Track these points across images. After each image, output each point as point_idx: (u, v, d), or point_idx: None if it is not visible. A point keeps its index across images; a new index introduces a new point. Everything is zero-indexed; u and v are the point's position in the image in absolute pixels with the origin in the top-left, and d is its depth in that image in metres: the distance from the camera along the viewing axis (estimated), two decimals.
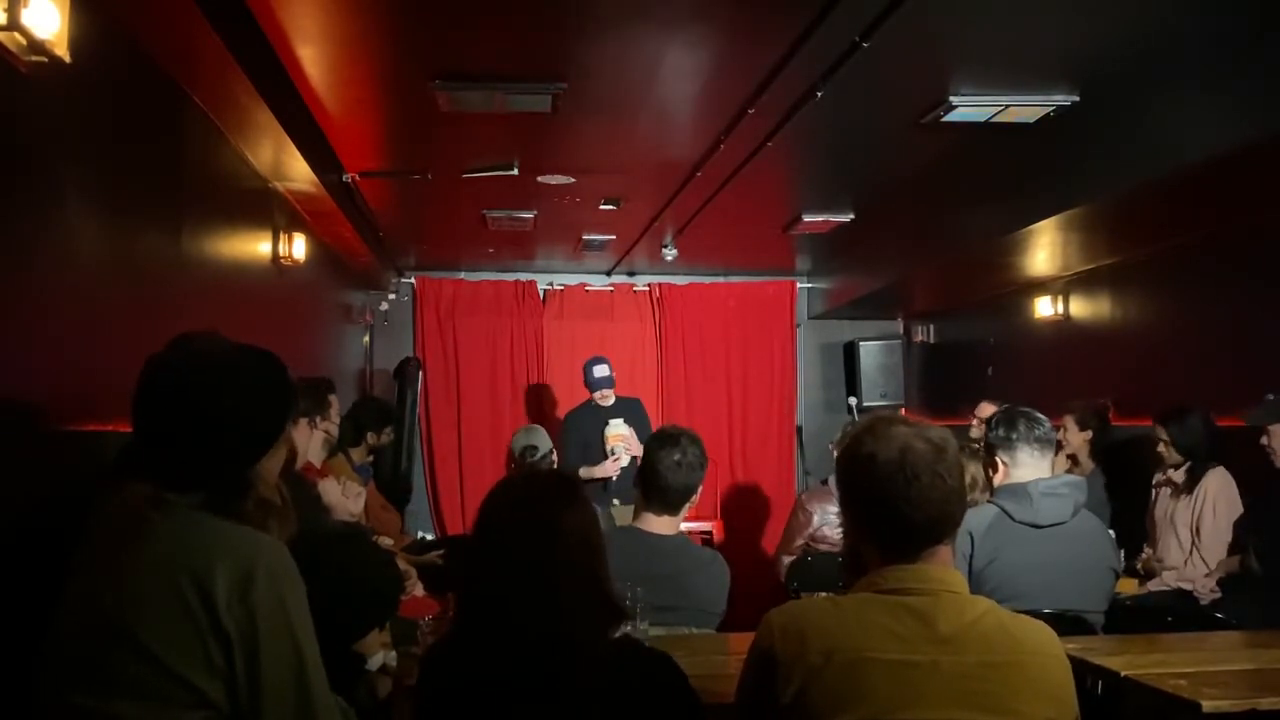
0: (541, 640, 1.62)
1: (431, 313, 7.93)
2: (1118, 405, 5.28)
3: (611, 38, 3.53)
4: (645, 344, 8.04)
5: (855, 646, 1.60)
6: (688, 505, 2.95)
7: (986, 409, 5.27)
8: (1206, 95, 3.51)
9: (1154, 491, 4.67)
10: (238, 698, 1.57)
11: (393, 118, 4.53)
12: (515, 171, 5.03)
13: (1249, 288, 4.63)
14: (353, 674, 2.22)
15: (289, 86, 3.87)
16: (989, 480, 3.22)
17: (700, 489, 2.96)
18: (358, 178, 5.16)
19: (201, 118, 3.63)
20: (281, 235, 4.78)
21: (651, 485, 2.90)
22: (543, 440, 4.88)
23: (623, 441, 5.81)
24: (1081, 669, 2.31)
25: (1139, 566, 4.57)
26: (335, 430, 4.35)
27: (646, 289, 8.21)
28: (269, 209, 4.68)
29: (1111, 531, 3.72)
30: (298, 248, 4.85)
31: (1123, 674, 2.39)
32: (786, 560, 4.91)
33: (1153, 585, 4.42)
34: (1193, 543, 4.38)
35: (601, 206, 5.83)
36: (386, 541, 4.47)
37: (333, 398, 4.27)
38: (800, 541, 4.90)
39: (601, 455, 5.88)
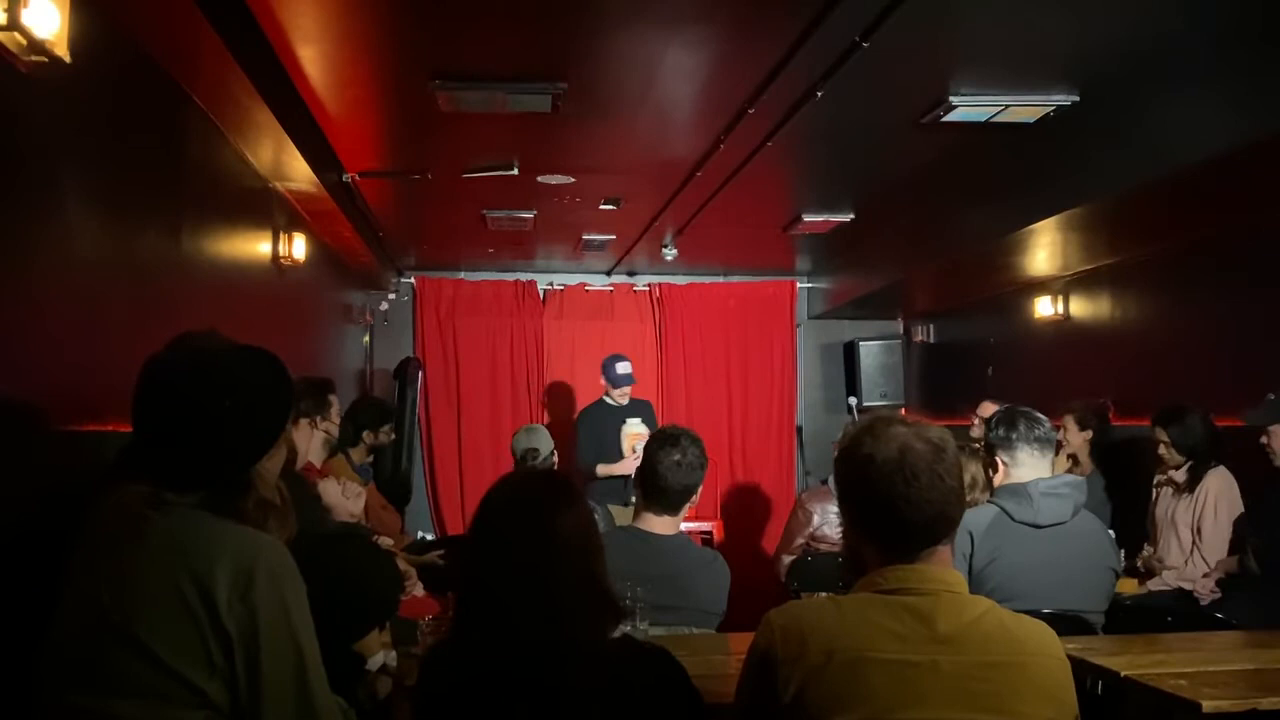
0: (541, 640, 1.62)
1: (431, 313, 7.93)
2: (1118, 405, 5.28)
3: (611, 38, 3.53)
4: (645, 344, 8.04)
5: (855, 646, 1.60)
6: (688, 505, 2.95)
7: (987, 408, 5.27)
8: (1206, 95, 3.51)
9: (1155, 491, 4.67)
10: (238, 697, 1.57)
11: (393, 118, 4.53)
12: (515, 171, 5.03)
13: (1249, 288, 4.63)
14: (353, 674, 2.22)
15: (289, 86, 3.87)
16: (989, 480, 3.22)
17: (700, 489, 2.96)
18: (358, 178, 5.16)
19: (201, 118, 3.63)
20: (281, 235, 4.78)
21: (651, 485, 2.90)
22: (544, 442, 4.88)
23: (641, 440, 5.87)
24: (1081, 669, 2.31)
25: (1139, 565, 4.58)
26: (335, 430, 4.35)
27: (646, 289, 8.21)
28: (269, 209, 4.68)
29: (1111, 531, 3.71)
30: (298, 248, 4.86)
31: (1123, 674, 2.39)
32: (786, 560, 4.91)
33: (1153, 584, 4.42)
34: (1193, 542, 4.38)
35: (601, 206, 5.83)
36: (386, 541, 4.47)
37: (333, 398, 4.27)
38: (800, 541, 4.90)
39: (616, 452, 5.95)
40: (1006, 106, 4.00)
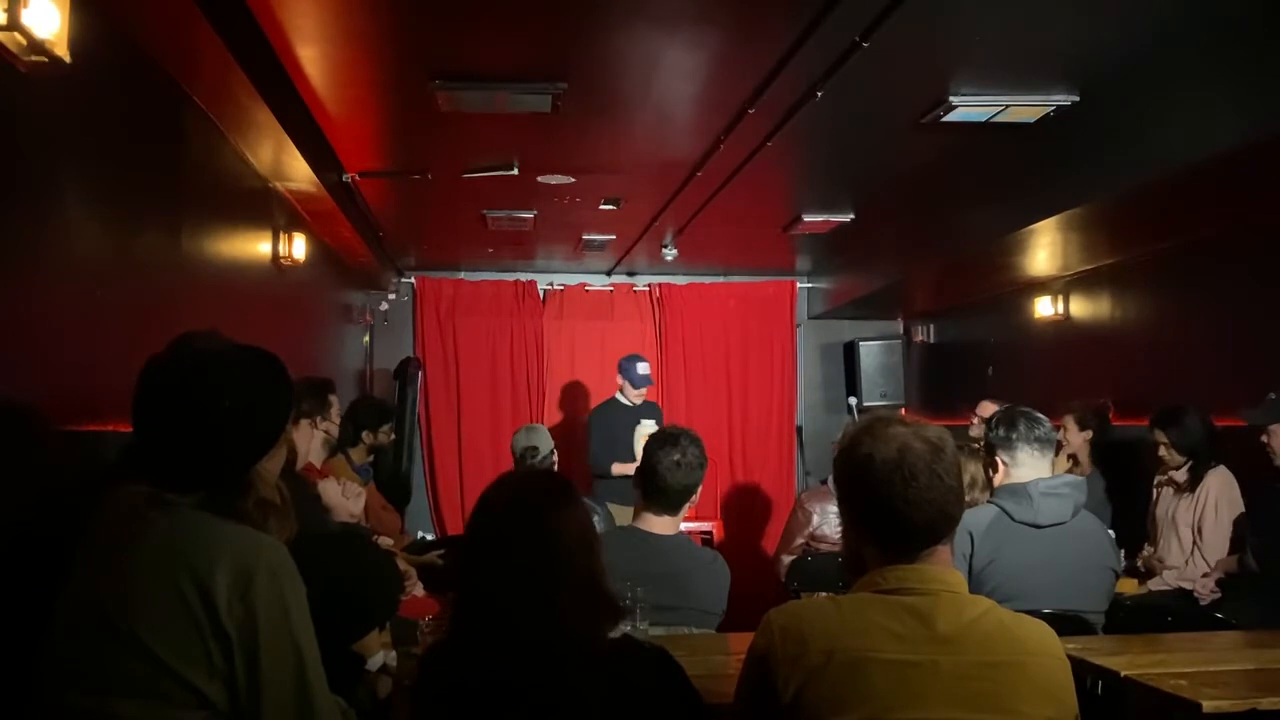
0: (539, 640, 1.62)
1: (431, 313, 7.93)
2: (1118, 405, 5.28)
3: (611, 38, 3.53)
4: (645, 344, 8.03)
5: (855, 646, 1.60)
6: (688, 505, 2.96)
7: (987, 408, 5.27)
8: (1206, 95, 3.51)
9: (1155, 491, 4.67)
10: (237, 697, 1.57)
11: (393, 118, 4.53)
12: (515, 171, 5.03)
13: (1249, 288, 4.63)
14: (353, 674, 2.22)
15: (289, 86, 3.87)
16: (989, 480, 3.22)
17: (700, 489, 2.96)
18: (358, 178, 5.16)
19: (201, 118, 3.63)
20: (281, 235, 4.78)
21: (651, 485, 2.90)
22: (544, 441, 4.88)
23: None
24: (1081, 669, 2.31)
25: (1139, 564, 4.58)
26: (335, 431, 4.35)
27: (646, 289, 8.21)
28: (269, 209, 4.68)
29: (1111, 531, 3.72)
30: (298, 248, 4.86)
31: (1123, 674, 2.39)
32: (786, 560, 4.91)
33: (1153, 584, 4.42)
34: (1194, 542, 4.38)
35: (601, 206, 5.83)
36: (386, 541, 4.47)
37: (333, 398, 4.27)
38: (800, 541, 4.90)
39: (628, 451, 5.96)
40: (1006, 106, 4.00)
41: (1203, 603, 4.16)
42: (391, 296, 7.90)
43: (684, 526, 3.10)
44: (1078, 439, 5.14)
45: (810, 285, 8.34)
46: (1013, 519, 3.02)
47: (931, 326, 7.96)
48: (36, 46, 2.16)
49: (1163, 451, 4.49)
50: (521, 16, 3.36)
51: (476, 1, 3.25)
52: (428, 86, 3.86)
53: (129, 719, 1.54)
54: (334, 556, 2.36)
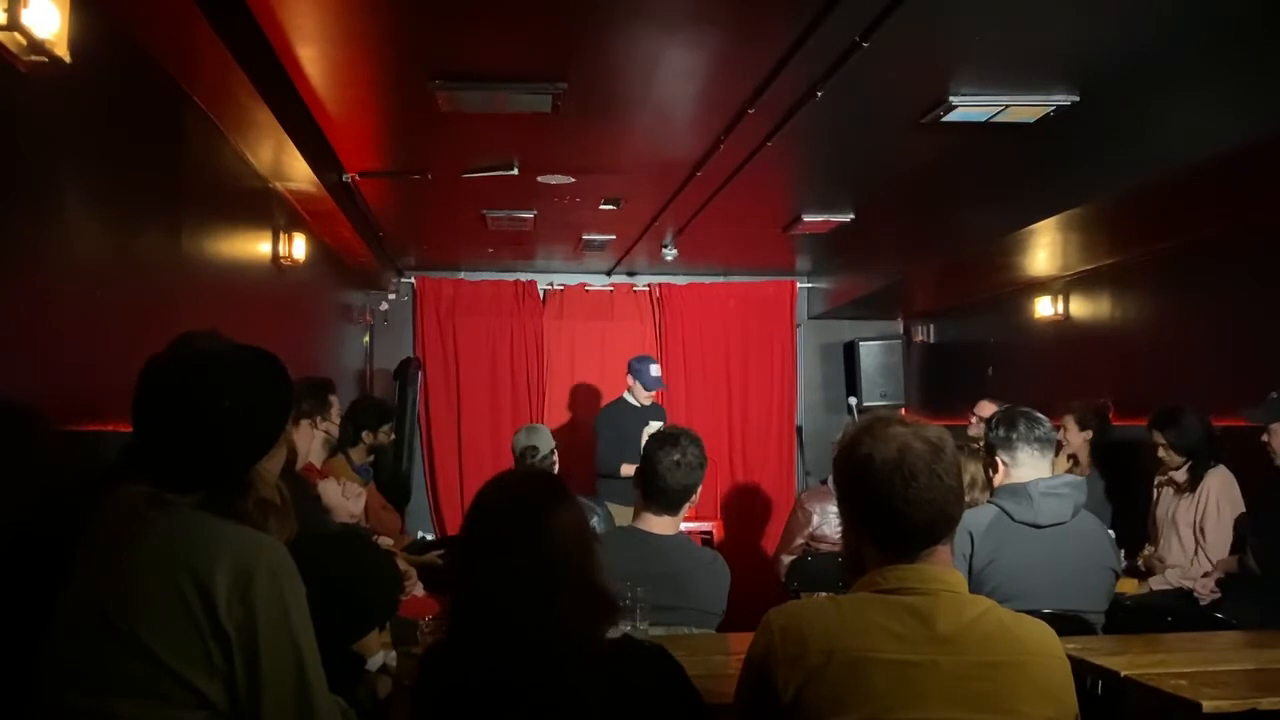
0: (538, 640, 1.62)
1: (431, 313, 7.93)
2: (1118, 405, 5.28)
3: (611, 38, 3.53)
4: (645, 344, 8.03)
5: (855, 646, 1.60)
6: (688, 505, 2.95)
7: (986, 408, 5.27)
8: (1206, 95, 3.51)
9: (1155, 491, 4.67)
10: (237, 697, 1.57)
11: (393, 118, 4.53)
12: (515, 171, 5.03)
13: (1249, 288, 4.63)
14: (353, 674, 2.22)
15: (289, 86, 3.87)
16: (989, 480, 3.22)
17: (700, 489, 2.96)
18: (358, 178, 5.16)
19: (201, 118, 3.63)
20: (281, 235, 4.78)
21: (651, 485, 2.90)
22: (544, 440, 4.88)
23: None
24: (1081, 669, 2.31)
25: (1139, 564, 4.58)
26: (335, 431, 4.35)
27: (646, 289, 8.21)
28: (269, 209, 4.68)
29: (1111, 531, 3.72)
30: (298, 248, 4.85)
31: (1123, 674, 2.39)
32: (786, 560, 4.91)
33: (1154, 582, 4.42)
34: (1196, 541, 4.39)
35: (601, 206, 5.83)
36: (386, 541, 4.47)
37: (333, 398, 4.27)
38: (800, 541, 4.90)
39: (637, 452, 5.95)
40: (1006, 106, 4.00)
41: (1203, 603, 4.16)
42: (391, 296, 7.90)
43: (684, 526, 3.10)
44: (1078, 439, 5.14)
45: (810, 285, 8.34)
46: (1013, 519, 3.02)
47: (931, 326, 7.96)
48: (36, 46, 2.16)
49: (1161, 453, 4.49)
50: (521, 16, 3.36)
51: (476, 1, 3.25)
52: (428, 86, 3.86)
53: (129, 719, 1.54)
54: (334, 556, 2.36)
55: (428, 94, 3.91)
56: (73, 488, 2.16)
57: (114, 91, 2.90)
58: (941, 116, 4.09)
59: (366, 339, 7.80)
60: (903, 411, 7.46)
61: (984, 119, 4.12)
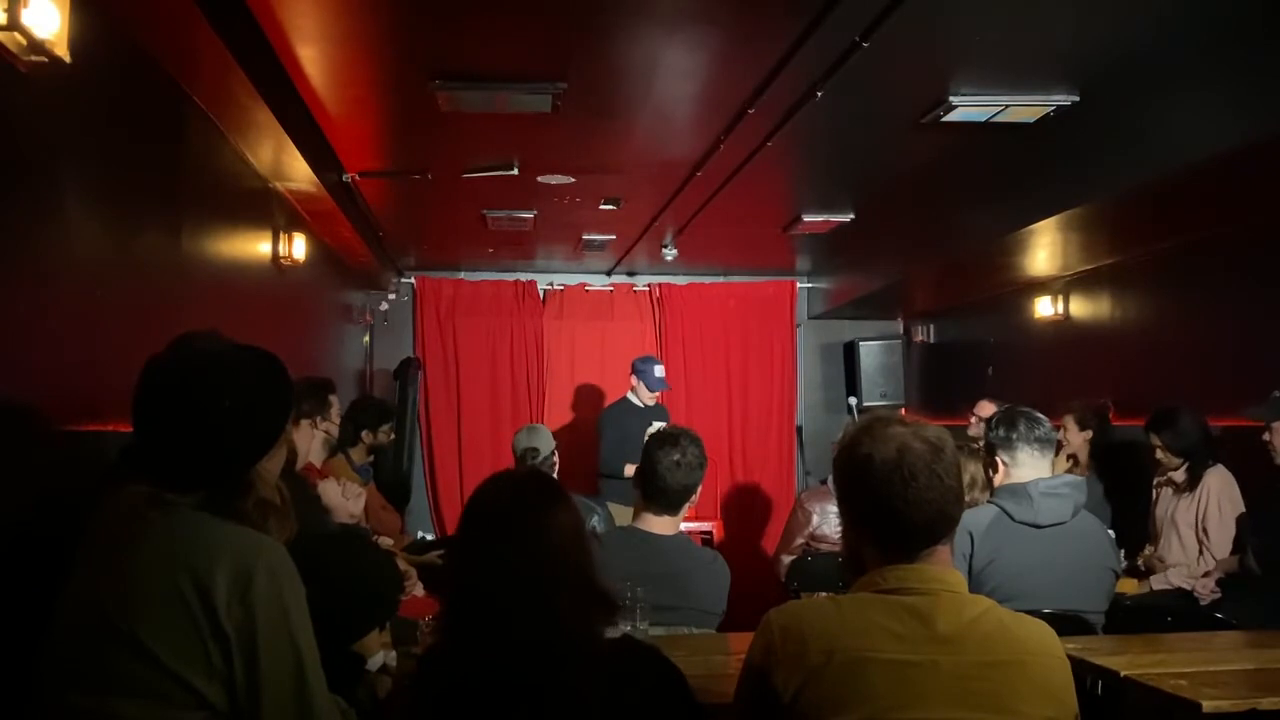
0: (536, 640, 1.62)
1: (431, 313, 7.93)
2: (1118, 405, 5.28)
3: (611, 38, 3.53)
4: (645, 344, 8.03)
5: (855, 646, 1.60)
6: (688, 505, 2.95)
7: (986, 408, 5.27)
8: (1206, 95, 3.51)
9: (1155, 491, 4.67)
10: (236, 698, 1.57)
11: (393, 118, 4.53)
12: (515, 171, 5.03)
13: (1249, 288, 4.63)
14: (353, 674, 2.22)
15: (289, 86, 3.87)
16: (989, 480, 3.22)
17: (700, 489, 2.96)
18: (358, 178, 5.16)
19: (201, 118, 3.63)
20: (281, 235, 4.78)
21: (651, 485, 2.90)
22: (544, 441, 4.87)
23: None
24: (1081, 669, 2.31)
25: (1140, 564, 4.58)
26: (335, 431, 4.35)
27: (646, 289, 8.22)
28: (269, 209, 4.68)
29: (1111, 532, 3.72)
30: (298, 248, 4.85)
31: (1123, 674, 2.39)
32: (786, 560, 4.91)
33: (1155, 581, 4.42)
34: (1199, 541, 4.39)
35: (601, 206, 5.83)
36: (386, 541, 4.47)
37: (333, 398, 4.27)
38: (800, 541, 4.90)
39: (639, 453, 5.95)
40: (1006, 106, 4.00)
41: (1203, 603, 4.16)
42: (391, 296, 7.90)
43: (684, 526, 3.10)
44: (1078, 439, 5.14)
45: (810, 285, 8.34)
46: (1013, 519, 3.02)
47: (931, 326, 7.96)
48: (36, 46, 2.16)
49: (1159, 454, 4.50)
50: (521, 16, 3.36)
51: (476, 1, 3.25)
52: (428, 86, 3.86)
53: (129, 719, 1.54)
54: (334, 556, 2.36)
55: (428, 94, 3.91)
56: (73, 488, 2.16)
57: (114, 91, 2.90)
58: (941, 116, 4.09)
59: (366, 339, 7.80)
60: (903, 411, 7.46)
61: (984, 119, 4.12)
